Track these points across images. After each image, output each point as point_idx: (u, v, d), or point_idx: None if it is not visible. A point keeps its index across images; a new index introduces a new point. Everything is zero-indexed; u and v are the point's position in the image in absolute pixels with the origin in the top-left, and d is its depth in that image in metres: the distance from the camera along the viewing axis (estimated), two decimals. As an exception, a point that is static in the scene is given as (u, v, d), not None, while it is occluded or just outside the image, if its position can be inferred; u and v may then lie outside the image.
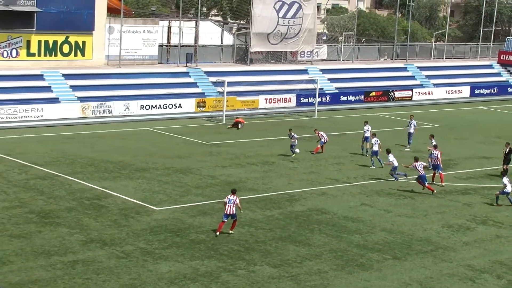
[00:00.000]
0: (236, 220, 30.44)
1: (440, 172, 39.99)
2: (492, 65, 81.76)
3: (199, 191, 36.74)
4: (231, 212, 30.08)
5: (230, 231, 30.41)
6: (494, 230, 33.08)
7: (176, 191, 36.58)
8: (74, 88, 56.41)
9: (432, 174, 39.93)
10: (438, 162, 39.83)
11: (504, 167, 41.63)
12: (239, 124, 53.50)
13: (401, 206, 35.83)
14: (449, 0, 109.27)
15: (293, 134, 45.23)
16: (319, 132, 46.41)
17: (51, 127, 50.83)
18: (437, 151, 40.31)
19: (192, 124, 55.03)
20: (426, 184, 38.20)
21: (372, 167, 43.12)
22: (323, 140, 46.11)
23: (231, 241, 29.79)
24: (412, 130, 48.72)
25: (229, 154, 44.93)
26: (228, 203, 30.06)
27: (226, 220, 30.19)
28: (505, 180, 36.45)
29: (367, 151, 45.51)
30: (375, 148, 43.37)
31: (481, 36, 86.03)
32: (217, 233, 30.25)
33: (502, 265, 28.80)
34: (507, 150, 42.56)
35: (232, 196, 30.26)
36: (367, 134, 46.34)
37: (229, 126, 53.47)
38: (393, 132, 54.80)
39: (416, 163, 38.05)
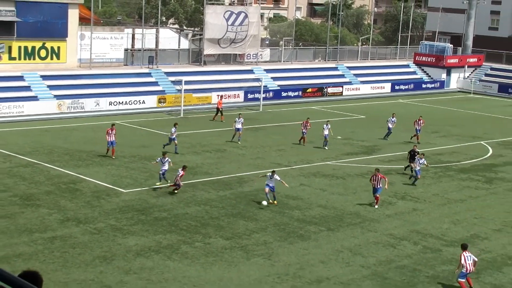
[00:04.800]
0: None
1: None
2: (409, 65, 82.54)
3: (161, 175, 36.58)
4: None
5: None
6: (412, 204, 33.63)
7: (141, 176, 36.38)
8: (51, 87, 55.54)
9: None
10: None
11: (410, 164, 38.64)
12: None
13: (334, 186, 36.17)
14: (372, 10, 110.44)
15: (164, 159, 34.46)
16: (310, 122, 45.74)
17: (30, 122, 50.02)
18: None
19: (154, 117, 54.67)
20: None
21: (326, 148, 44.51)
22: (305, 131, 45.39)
23: (189, 217, 29.80)
24: (391, 125, 48.87)
25: (186, 143, 44.75)
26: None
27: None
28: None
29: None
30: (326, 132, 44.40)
31: (399, 40, 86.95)
32: None
33: (418, 233, 29.32)
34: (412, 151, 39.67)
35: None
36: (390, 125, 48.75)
37: None
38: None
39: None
